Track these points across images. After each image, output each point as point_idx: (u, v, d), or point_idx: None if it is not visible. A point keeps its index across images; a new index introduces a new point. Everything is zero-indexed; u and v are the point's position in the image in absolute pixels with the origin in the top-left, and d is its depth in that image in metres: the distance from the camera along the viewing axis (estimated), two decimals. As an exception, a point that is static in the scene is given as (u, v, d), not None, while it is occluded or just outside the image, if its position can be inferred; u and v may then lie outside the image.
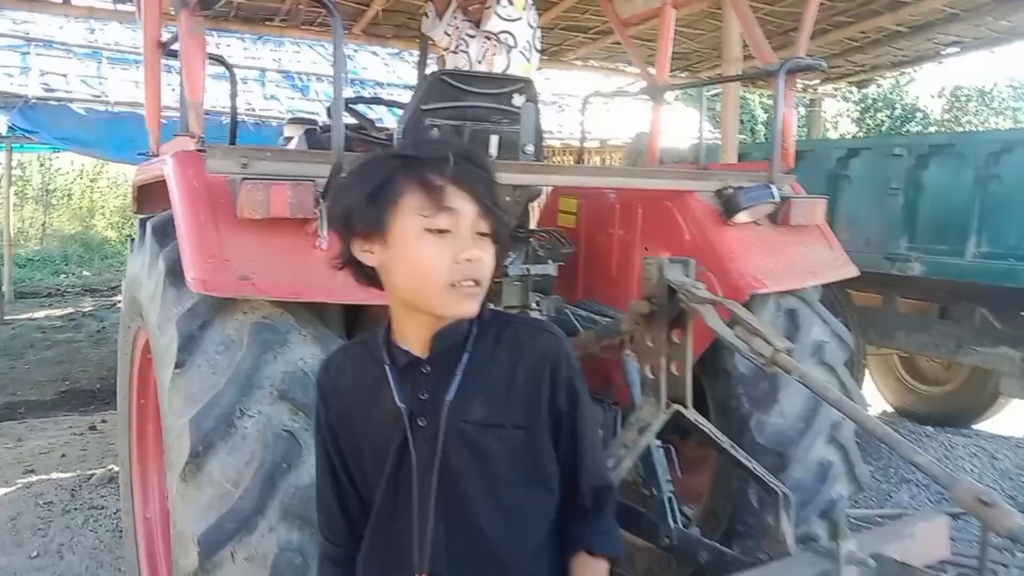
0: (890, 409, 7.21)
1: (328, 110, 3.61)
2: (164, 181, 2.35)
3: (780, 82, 2.89)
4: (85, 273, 16.07)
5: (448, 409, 1.32)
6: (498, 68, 3.31)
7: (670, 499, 2.74)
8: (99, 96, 8.01)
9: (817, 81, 8.92)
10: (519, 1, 3.36)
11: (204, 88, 2.42)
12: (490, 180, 1.32)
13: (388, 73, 10.37)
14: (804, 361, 2.98)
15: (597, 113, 10.16)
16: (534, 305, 3.15)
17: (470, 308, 1.31)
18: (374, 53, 10.46)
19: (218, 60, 3.75)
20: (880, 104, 22.32)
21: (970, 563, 3.55)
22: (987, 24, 6.78)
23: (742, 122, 18.78)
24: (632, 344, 2.42)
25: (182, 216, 2.15)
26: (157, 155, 2.88)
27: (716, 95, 7.60)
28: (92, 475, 5.18)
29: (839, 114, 22.49)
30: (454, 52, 3.48)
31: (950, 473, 1.79)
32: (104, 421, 6.49)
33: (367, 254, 1.31)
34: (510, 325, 1.43)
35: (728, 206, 2.86)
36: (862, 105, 22.47)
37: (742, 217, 2.86)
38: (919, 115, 22.21)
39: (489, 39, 3.34)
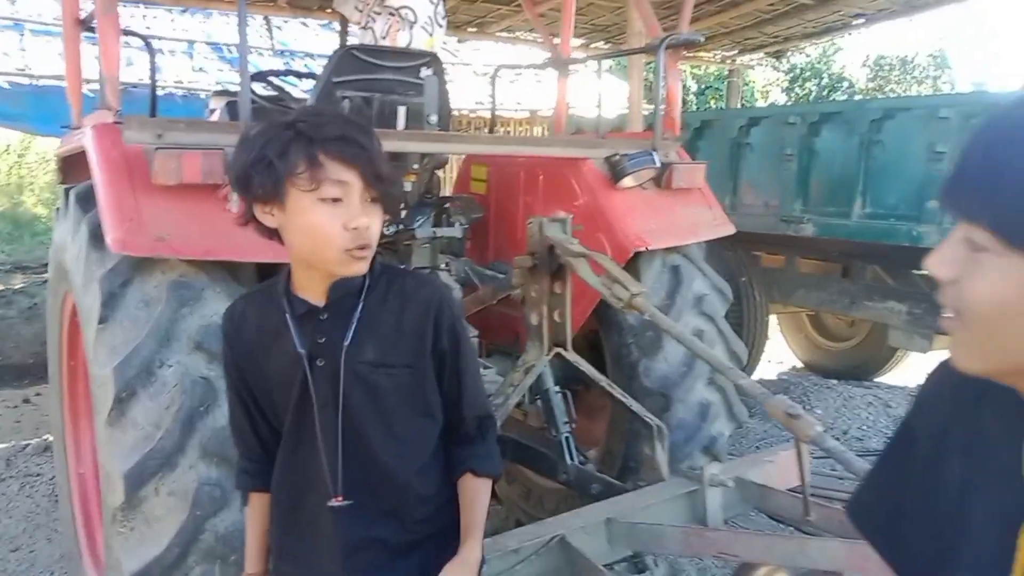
0: (799, 364, 7.67)
1: (255, 78, 3.77)
2: (85, 152, 2.53)
3: (661, 55, 3.16)
4: (15, 250, 15.75)
5: (345, 352, 1.52)
6: (401, 43, 3.52)
7: (567, 439, 3.04)
8: (23, 69, 7.95)
9: (735, 52, 9.27)
10: None
11: (119, 63, 2.59)
12: (375, 152, 1.46)
13: (318, 44, 10.40)
14: (686, 312, 3.30)
15: (530, 84, 10.37)
16: (443, 266, 3.39)
17: (360, 268, 1.49)
18: (304, 24, 10.48)
19: (136, 35, 3.88)
20: (808, 74, 22.92)
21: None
22: (886, -3, 7.19)
23: (673, 92, 19.18)
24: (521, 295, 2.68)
25: (101, 184, 2.34)
26: (79, 128, 3.03)
27: (649, 64, 7.84)
28: (27, 445, 5.29)
29: (769, 84, 23.06)
30: (363, 28, 3.67)
31: (764, 391, 2.11)
32: (38, 395, 6.55)
33: (268, 216, 1.48)
34: (399, 277, 1.61)
35: (615, 172, 3.13)
36: (791, 75, 23.06)
37: (627, 182, 3.14)
38: (845, 84, 22.88)
39: (392, 15, 3.54)
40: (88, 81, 3.33)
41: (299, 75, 4.20)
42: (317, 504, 1.56)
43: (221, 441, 2.25)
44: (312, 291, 1.54)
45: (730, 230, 3.43)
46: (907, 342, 5.52)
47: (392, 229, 3.04)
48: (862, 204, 4.95)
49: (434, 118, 3.10)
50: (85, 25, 3.13)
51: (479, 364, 1.81)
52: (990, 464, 0.91)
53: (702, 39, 3.43)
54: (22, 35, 8.82)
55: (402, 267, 1.80)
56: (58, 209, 3.13)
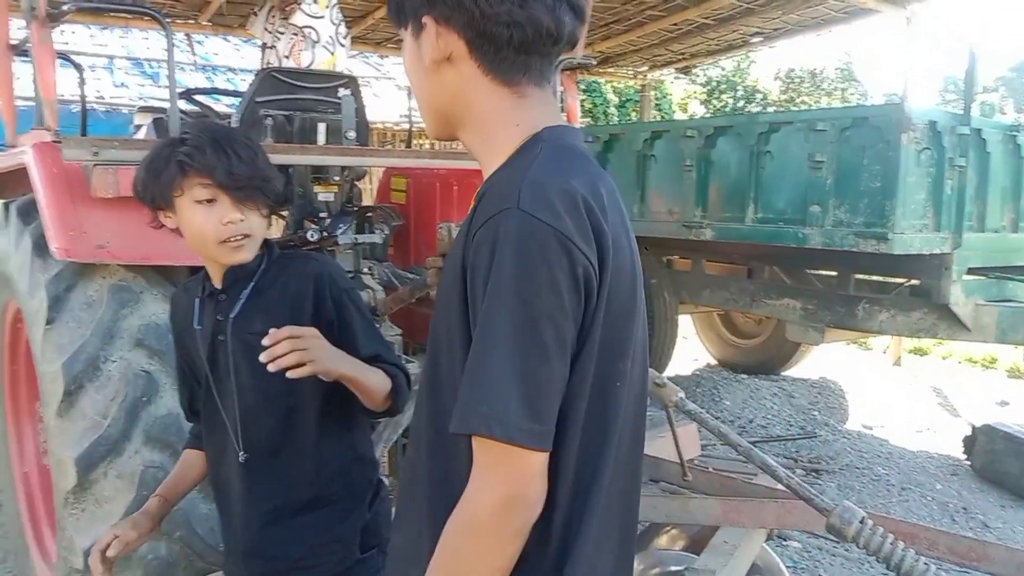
0: (713, 361, 8.15)
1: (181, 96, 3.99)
2: (23, 169, 2.74)
3: (556, 76, 3.50)
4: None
5: (232, 324, 1.76)
6: (304, 62, 3.81)
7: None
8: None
9: (645, 68, 9.77)
10: (323, 0, 3.86)
11: (55, 86, 2.80)
12: (232, 160, 1.64)
13: (239, 59, 10.55)
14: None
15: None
16: (366, 270, 3.66)
17: (241, 256, 1.71)
18: (225, 39, 10.61)
19: (66, 58, 4.05)
20: (724, 86, 23.84)
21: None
22: (779, 17, 7.73)
23: (595, 105, 19.78)
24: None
25: (44, 197, 2.56)
26: (14, 146, 3.22)
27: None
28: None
29: (687, 96, 23.90)
30: (270, 47, 3.95)
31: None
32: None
33: (168, 220, 1.74)
34: (290, 259, 1.83)
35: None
36: (708, 87, 23.94)
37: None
38: (759, 96, 23.86)
39: (296, 35, 3.82)
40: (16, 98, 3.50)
41: (224, 93, 4.43)
42: (229, 462, 1.81)
43: (163, 428, 2.50)
44: (215, 277, 1.79)
45: (627, 233, 3.78)
46: (802, 335, 6.00)
47: (316, 236, 3.30)
48: (754, 209, 5.40)
49: (352, 134, 3.38)
50: (17, 50, 3.31)
51: (379, 333, 1.94)
52: None
53: (594, 62, 3.81)
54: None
55: (298, 252, 2.02)
56: (-2, 222, 3.30)
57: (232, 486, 1.84)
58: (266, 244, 1.81)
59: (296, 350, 1.54)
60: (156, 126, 3.87)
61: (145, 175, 1.70)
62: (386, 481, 2.92)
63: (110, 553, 1.73)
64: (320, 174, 3.48)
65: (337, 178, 3.50)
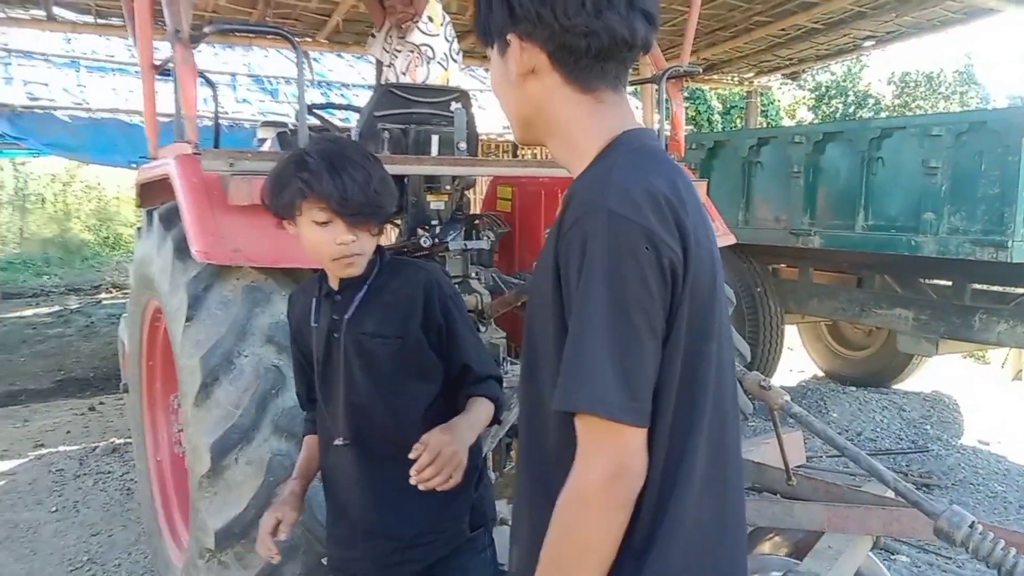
0: (820, 373, 7.96)
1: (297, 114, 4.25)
2: (166, 179, 2.99)
3: (662, 86, 3.56)
4: (66, 274, 16.49)
5: (347, 324, 1.91)
6: (419, 77, 3.98)
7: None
8: (80, 103, 8.54)
9: (751, 75, 9.65)
10: (437, 18, 4.02)
11: (196, 104, 3.05)
12: (348, 188, 1.76)
13: (353, 75, 10.95)
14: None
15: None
16: (473, 275, 3.81)
17: (350, 272, 1.87)
18: (340, 56, 11.04)
19: (203, 76, 4.36)
20: (834, 92, 23.15)
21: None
22: (892, 20, 7.52)
23: (699, 112, 19.56)
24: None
25: (185, 205, 2.79)
26: (156, 158, 3.50)
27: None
28: (96, 447, 5.78)
29: (796, 102, 23.32)
30: (388, 66, 4.15)
31: (743, 369, 2.48)
32: (102, 403, 7.08)
33: (290, 227, 1.90)
34: (401, 265, 1.97)
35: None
36: (817, 93, 23.29)
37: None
38: (871, 101, 23.06)
39: (412, 52, 4.00)
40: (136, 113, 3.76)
41: (344, 108, 4.66)
42: (338, 450, 1.97)
43: (289, 419, 2.68)
44: (332, 279, 1.95)
45: (730, 240, 3.81)
46: (914, 346, 5.83)
47: (428, 242, 3.47)
48: (865, 216, 5.30)
49: (463, 145, 3.53)
50: (159, 69, 3.60)
51: (479, 338, 2.10)
52: None
53: (700, 70, 3.83)
54: (78, 71, 9.45)
55: (408, 258, 2.18)
56: (139, 228, 3.59)
57: (343, 472, 1.99)
58: (378, 249, 1.95)
59: (442, 471, 1.68)
60: (280, 139, 4.12)
61: (271, 190, 1.87)
62: (492, 476, 3.04)
63: (281, 536, 1.91)
64: (432, 183, 3.65)
65: (448, 187, 3.66)
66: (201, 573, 2.76)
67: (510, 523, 1.44)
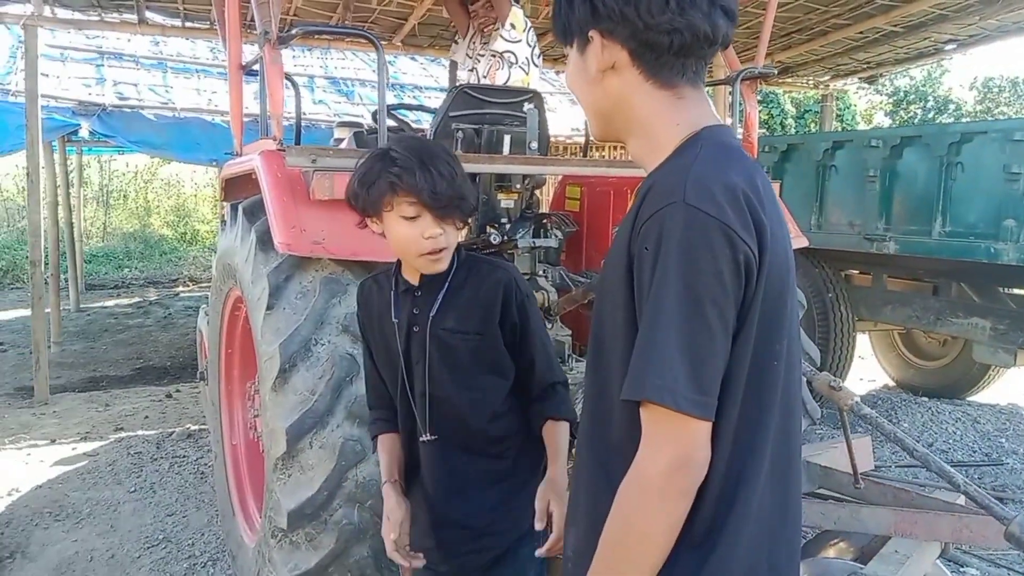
0: (891, 383, 7.78)
1: (373, 114, 4.36)
2: (250, 174, 3.12)
3: (736, 87, 3.56)
4: (146, 267, 17.11)
5: (431, 320, 1.97)
6: (500, 80, 4.05)
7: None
8: (166, 103, 8.88)
9: (827, 78, 9.49)
10: (519, 25, 4.08)
11: (283, 103, 3.18)
12: (437, 182, 1.82)
13: (426, 77, 11.12)
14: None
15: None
16: (541, 273, 3.86)
17: (437, 267, 1.92)
18: (413, 59, 11.23)
19: (288, 78, 4.52)
20: (912, 97, 22.56)
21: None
22: (976, 23, 7.31)
23: (771, 116, 19.28)
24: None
25: (270, 198, 2.91)
26: (241, 154, 3.65)
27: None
28: (173, 432, 6.02)
29: (873, 107, 22.80)
30: (470, 71, 4.23)
31: (813, 369, 2.47)
32: (179, 391, 7.36)
33: (374, 224, 1.95)
34: (478, 263, 2.03)
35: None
36: (895, 98, 22.73)
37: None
38: (951, 107, 22.40)
39: (495, 56, 4.07)
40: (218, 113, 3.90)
41: (416, 109, 4.77)
42: (417, 442, 2.04)
43: (362, 405, 2.75)
44: (412, 274, 2.01)
45: (803, 243, 3.78)
46: (991, 357, 5.67)
47: (498, 240, 3.53)
48: (942, 223, 5.18)
49: (535, 145, 3.59)
50: (246, 69, 3.75)
51: (548, 337, 2.14)
52: None
53: (775, 72, 3.81)
54: (165, 72, 9.83)
55: (483, 255, 2.23)
56: (223, 221, 3.75)
57: (421, 463, 2.06)
58: (457, 247, 2.00)
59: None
60: (356, 138, 4.24)
61: (358, 187, 1.92)
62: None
63: (403, 541, 2.01)
64: (503, 182, 3.72)
65: (518, 186, 3.72)
66: (273, 552, 2.87)
67: (567, 509, 1.49)
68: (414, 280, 2.01)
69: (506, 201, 3.73)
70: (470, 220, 3.70)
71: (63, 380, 7.88)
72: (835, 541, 2.99)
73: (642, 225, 1.18)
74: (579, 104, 1.43)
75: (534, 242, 3.69)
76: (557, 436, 2.03)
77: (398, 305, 2.02)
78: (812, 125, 18.57)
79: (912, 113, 22.15)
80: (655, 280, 1.14)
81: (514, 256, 3.65)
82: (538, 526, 1.76)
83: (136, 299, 13.04)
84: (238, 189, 3.61)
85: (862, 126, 20.44)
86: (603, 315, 1.31)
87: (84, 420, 6.51)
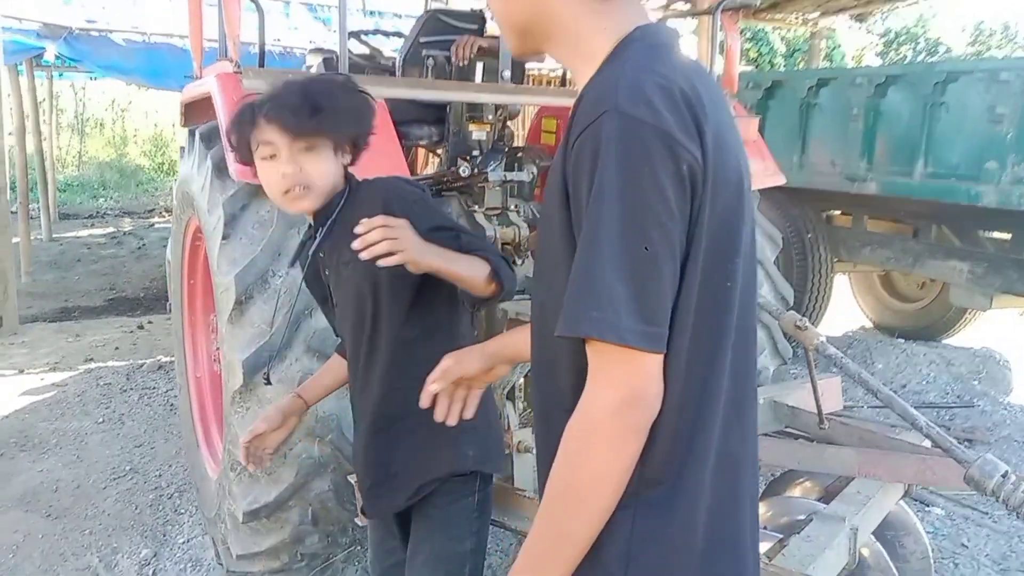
0: (869, 324, 7.80)
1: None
2: (208, 97, 2.98)
3: (716, 17, 3.43)
4: (122, 197, 16.83)
5: (324, 259, 1.89)
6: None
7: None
8: (136, 27, 8.57)
9: (816, 15, 9.26)
10: None
11: (240, 23, 3.02)
12: (300, 106, 1.71)
13: (412, 4, 10.79)
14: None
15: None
16: (512, 208, 3.76)
17: (303, 206, 1.80)
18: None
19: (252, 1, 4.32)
20: (904, 38, 22.25)
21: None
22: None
23: (760, 54, 18.98)
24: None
25: (225, 122, 2.78)
26: (200, 78, 3.50)
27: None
28: (143, 364, 5.96)
29: (863, 48, 22.47)
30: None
31: (780, 308, 2.42)
32: (151, 322, 7.27)
33: (256, 175, 1.85)
34: (363, 185, 1.87)
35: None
36: (886, 38, 22.41)
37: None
38: (942, 49, 22.13)
39: None
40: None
41: (387, 34, 4.59)
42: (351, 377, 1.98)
43: (321, 340, 2.70)
44: (311, 219, 1.90)
45: (780, 180, 3.70)
46: (968, 300, 5.67)
47: (467, 172, 3.42)
48: (924, 164, 5.10)
49: (507, 73, 3.44)
50: (209, -12, 3.57)
51: (455, 227, 1.86)
52: None
53: (757, 3, 3.68)
54: (135, -6, 9.46)
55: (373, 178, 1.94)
56: (183, 148, 3.62)
57: (353, 397, 1.99)
58: (347, 178, 1.88)
59: (388, 239, 1.57)
60: (326, 65, 4.08)
61: (229, 129, 1.85)
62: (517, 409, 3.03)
63: (245, 441, 1.95)
64: (474, 113, 3.59)
65: (491, 117, 3.59)
66: (232, 485, 2.83)
67: (534, 450, 1.41)
68: (312, 221, 1.91)
69: (478, 133, 3.60)
70: (439, 152, 3.59)
71: (34, 310, 7.77)
72: (800, 480, 2.98)
73: (574, 141, 1.06)
74: (494, 15, 1.29)
75: (506, 175, 3.57)
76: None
77: (305, 249, 1.94)
78: (802, 64, 18.30)
79: (902, 55, 21.86)
80: (591, 200, 1.02)
81: (484, 189, 3.55)
82: (358, 230, 1.56)
83: (110, 229, 12.83)
84: (197, 114, 3.47)
85: (850, 65, 20.20)
86: (545, 251, 1.21)
87: (54, 350, 6.43)
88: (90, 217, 14.33)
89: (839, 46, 19.25)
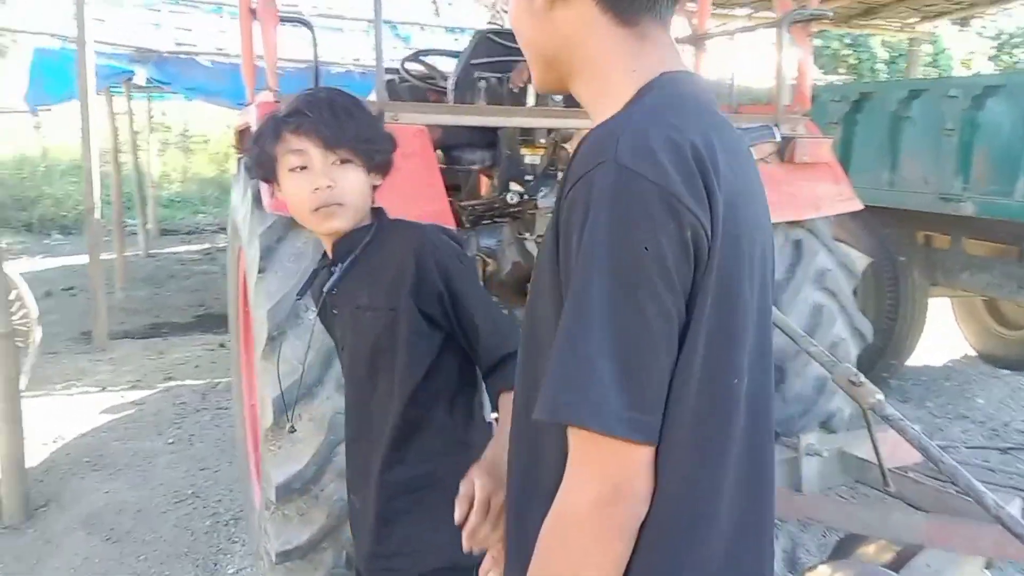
0: (972, 353, 7.26)
1: (402, 62, 4.13)
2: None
3: (782, 31, 3.20)
4: (221, 213, 17.39)
5: (338, 298, 1.73)
6: None
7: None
8: (221, 49, 8.80)
9: (915, 20, 8.78)
10: None
11: (276, 49, 2.98)
12: (336, 119, 1.62)
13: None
14: (806, 286, 3.35)
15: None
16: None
17: (334, 225, 1.66)
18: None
19: (300, 21, 4.29)
20: (1018, 40, 21.01)
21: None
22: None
23: (860, 61, 18.20)
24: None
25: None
26: (252, 103, 3.48)
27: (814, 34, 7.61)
28: (219, 383, 6.05)
29: (973, 52, 21.32)
30: (504, 11, 3.94)
31: (832, 359, 2.19)
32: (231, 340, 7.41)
33: (279, 191, 1.72)
34: (392, 227, 1.74)
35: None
36: (999, 42, 21.21)
37: (746, 156, 3.22)
38: (1060, 51, 20.80)
39: None
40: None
41: (441, 54, 4.50)
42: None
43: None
44: (328, 248, 1.77)
45: (856, 206, 3.43)
46: (1076, 330, 5.18)
47: (515, 199, 3.29)
48: (1027, 182, 4.69)
49: (558, 96, 3.31)
50: (256, 13, 3.56)
51: (492, 302, 1.79)
52: None
53: (831, 14, 3.42)
54: (221, 17, 9.73)
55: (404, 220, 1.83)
56: (234, 175, 3.61)
57: (349, 447, 1.89)
58: (375, 212, 1.76)
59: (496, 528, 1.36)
60: (388, 86, 4.03)
61: (252, 145, 1.74)
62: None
63: None
64: (527, 136, 3.46)
65: (543, 140, 3.45)
66: (267, 523, 2.76)
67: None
68: (330, 255, 1.78)
69: (530, 157, 3.47)
70: (491, 176, 3.47)
71: (126, 326, 8.03)
72: (873, 540, 2.72)
73: (568, 191, 0.94)
74: (522, 45, 1.16)
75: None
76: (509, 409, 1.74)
77: (318, 283, 1.82)
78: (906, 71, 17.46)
79: (1016, 58, 20.63)
80: (579, 263, 0.90)
81: (535, 216, 3.41)
82: (457, 517, 1.34)
83: (206, 245, 13.25)
84: (248, 141, 3.45)
85: (960, 73, 19.16)
86: (536, 308, 1.07)
87: (136, 368, 6.61)
88: (189, 233, 14.86)
89: (945, 50, 18.27)
